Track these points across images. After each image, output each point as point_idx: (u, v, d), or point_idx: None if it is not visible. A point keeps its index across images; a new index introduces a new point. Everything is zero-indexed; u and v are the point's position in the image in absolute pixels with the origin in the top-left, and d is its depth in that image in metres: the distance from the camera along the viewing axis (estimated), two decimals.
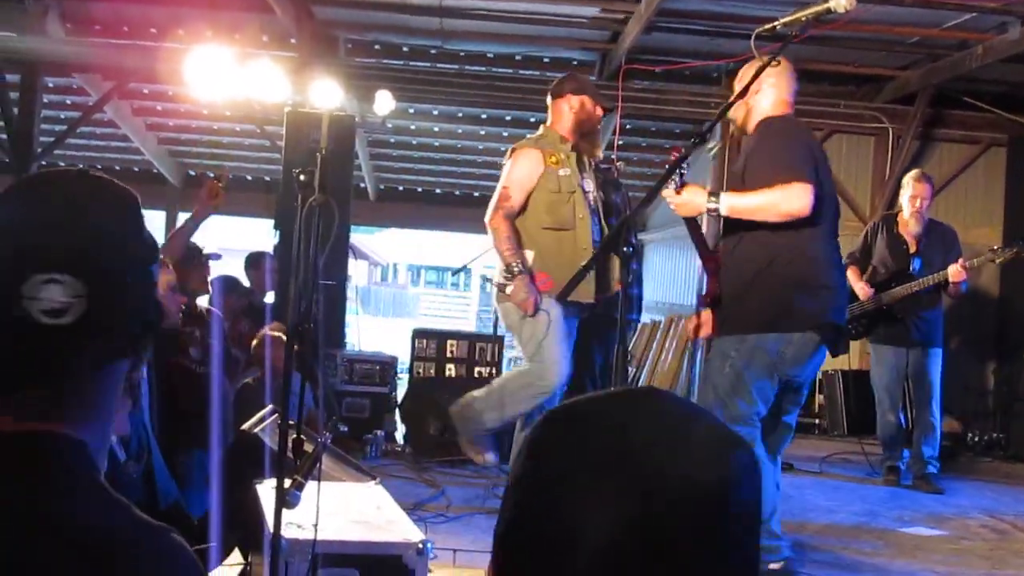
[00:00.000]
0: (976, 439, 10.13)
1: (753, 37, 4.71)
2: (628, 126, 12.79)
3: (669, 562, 1.05)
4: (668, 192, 5.20)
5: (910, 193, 7.99)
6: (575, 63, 11.66)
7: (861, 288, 8.12)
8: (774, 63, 4.69)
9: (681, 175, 5.15)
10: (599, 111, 6.42)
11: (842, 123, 11.42)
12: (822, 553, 6.11)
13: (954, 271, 7.64)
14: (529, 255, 6.12)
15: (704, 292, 5.44)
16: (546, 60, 11.72)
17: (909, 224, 8.00)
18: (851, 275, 8.78)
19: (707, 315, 5.49)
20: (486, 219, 6.28)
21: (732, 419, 5.05)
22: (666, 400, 1.17)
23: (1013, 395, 10.29)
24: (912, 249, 8.02)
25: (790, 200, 4.96)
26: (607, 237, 5.46)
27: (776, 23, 4.44)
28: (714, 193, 5.18)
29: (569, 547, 1.06)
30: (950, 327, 8.58)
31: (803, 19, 4.39)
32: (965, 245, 8.24)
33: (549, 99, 6.47)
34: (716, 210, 5.16)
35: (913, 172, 8.18)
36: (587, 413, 1.16)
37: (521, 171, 6.19)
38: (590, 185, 6.41)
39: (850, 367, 10.03)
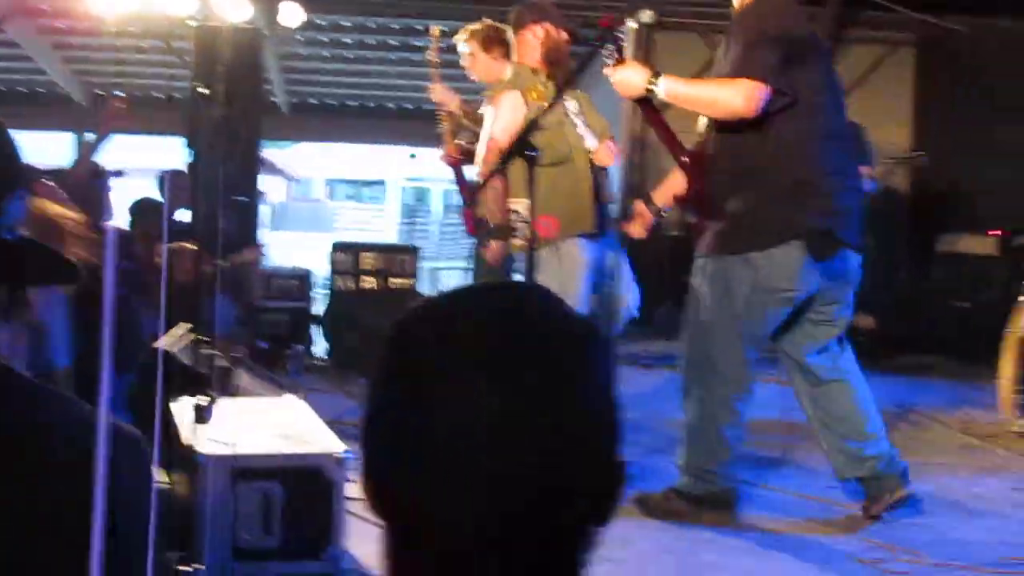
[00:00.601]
0: (890, 334, 10.30)
1: None
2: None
3: (530, 451, 1.07)
4: (607, 69, 4.79)
5: None
6: None
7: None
8: None
9: (619, 48, 4.74)
10: (564, 35, 6.28)
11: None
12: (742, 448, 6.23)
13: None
14: (523, 204, 5.82)
15: (683, 195, 5.07)
16: None
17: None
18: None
19: (640, 207, 5.42)
20: (477, 172, 6.26)
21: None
22: (533, 294, 1.19)
23: (925, 290, 10.47)
24: None
25: (732, 98, 4.54)
26: (513, 140, 5.31)
27: None
28: (658, 73, 4.70)
29: (432, 439, 1.08)
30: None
31: None
32: (876, 145, 8.32)
33: (511, 33, 6.31)
34: (653, 93, 4.70)
35: None
36: (451, 306, 1.17)
37: (505, 116, 5.96)
38: (574, 106, 6.32)
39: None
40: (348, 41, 14.01)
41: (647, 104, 4.83)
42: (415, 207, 30.43)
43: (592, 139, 6.13)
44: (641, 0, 4.83)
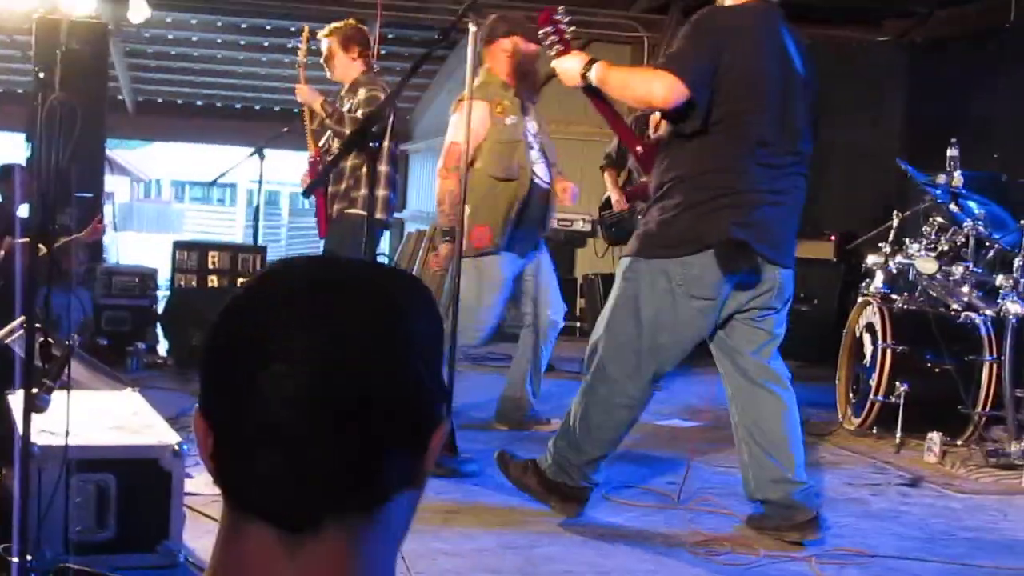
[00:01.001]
0: None
1: None
2: (390, 35, 12.73)
3: (352, 407, 1.14)
4: (552, 60, 4.79)
5: None
6: None
7: (615, 195, 8.31)
8: None
9: (562, 39, 4.74)
10: (533, 47, 6.33)
11: (599, 31, 11.60)
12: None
13: None
14: (466, 210, 6.08)
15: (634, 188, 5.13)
16: None
17: (662, 126, 8.17)
18: (607, 180, 8.99)
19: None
20: (437, 173, 6.39)
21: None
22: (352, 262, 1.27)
23: None
24: None
25: (650, 85, 4.50)
26: (353, 132, 5.35)
27: None
28: (593, 60, 4.69)
29: (257, 401, 1.13)
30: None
31: None
32: None
33: (481, 45, 6.34)
34: (588, 80, 4.67)
35: None
36: (278, 275, 1.23)
37: (472, 125, 5.95)
38: (534, 127, 6.48)
39: (613, 271, 10.26)
40: (194, 39, 13.85)
41: (593, 92, 4.78)
42: (264, 209, 30.01)
43: (543, 166, 6.42)
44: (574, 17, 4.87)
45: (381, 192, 6.82)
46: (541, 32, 4.77)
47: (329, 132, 7.00)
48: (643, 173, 4.99)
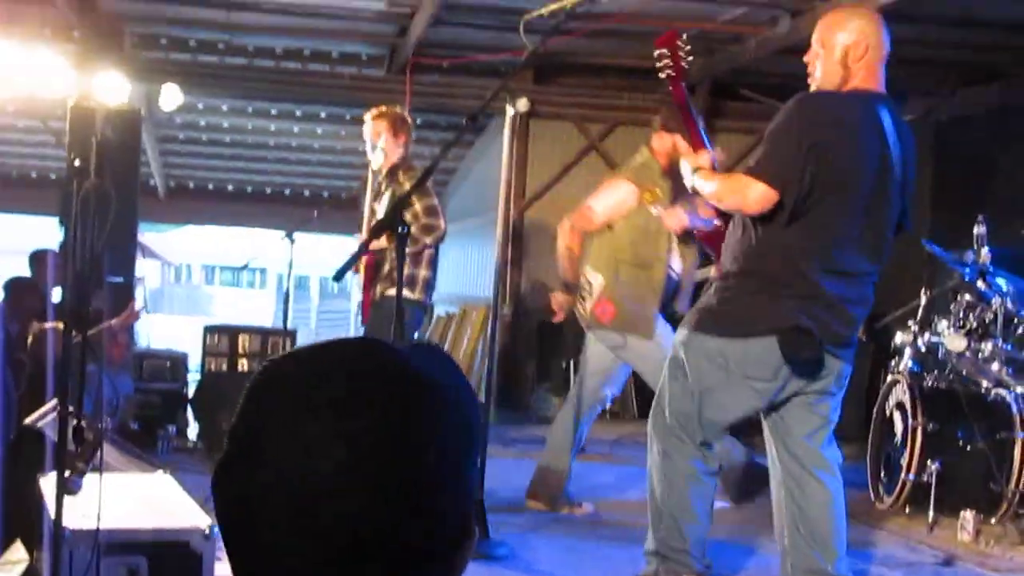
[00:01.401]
0: None
1: (521, 27, 4.69)
2: (418, 121, 12.87)
3: (374, 501, 1.14)
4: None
5: None
6: (364, 57, 11.70)
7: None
8: (542, 49, 4.70)
9: (677, 66, 4.82)
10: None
11: (626, 115, 11.71)
12: (612, 528, 6.33)
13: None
14: (598, 279, 6.22)
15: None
16: (334, 55, 11.72)
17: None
18: None
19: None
20: (562, 229, 6.58)
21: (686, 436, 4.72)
22: (375, 348, 1.23)
23: None
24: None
25: (742, 196, 4.36)
26: (383, 218, 5.38)
27: (543, 10, 4.51)
28: (698, 168, 4.70)
29: (278, 488, 1.14)
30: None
31: (566, 6, 4.45)
32: None
33: (657, 124, 6.50)
34: (689, 184, 4.76)
35: None
36: (302, 361, 1.22)
37: (611, 200, 6.31)
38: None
39: None
40: (225, 124, 14.04)
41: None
42: (294, 293, 30.18)
43: (677, 259, 6.47)
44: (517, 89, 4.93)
45: (423, 272, 6.90)
46: (657, 52, 4.76)
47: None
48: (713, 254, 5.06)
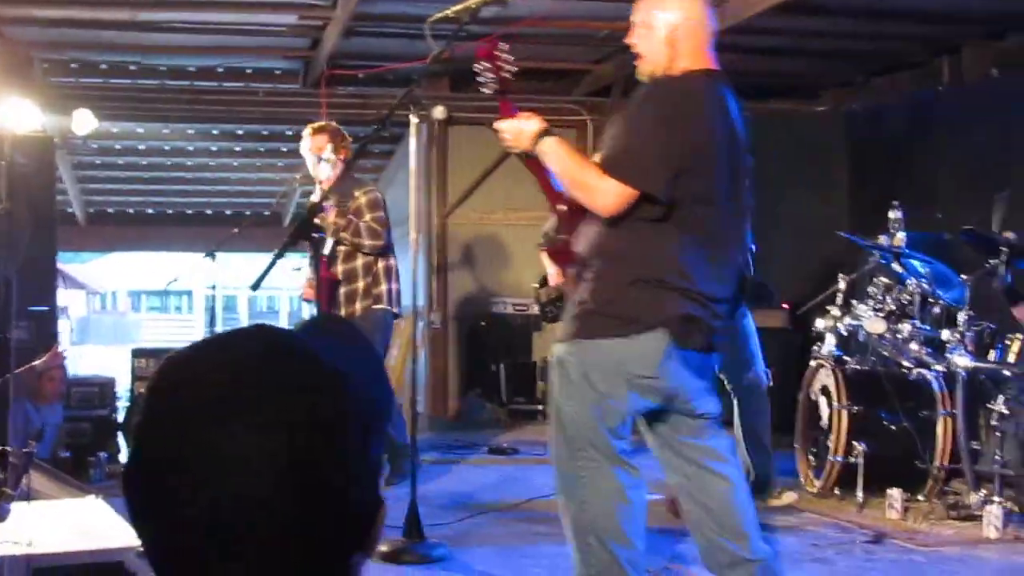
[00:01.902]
0: None
1: (428, 31, 4.58)
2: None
3: (291, 490, 1.16)
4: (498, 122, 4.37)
5: None
6: (278, 72, 11.67)
7: (554, 273, 8.37)
8: (445, 54, 4.63)
9: (501, 77, 4.35)
10: None
11: (545, 117, 11.73)
12: (550, 525, 6.35)
13: None
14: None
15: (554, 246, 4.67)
16: (249, 71, 11.67)
17: None
18: (545, 259, 9.04)
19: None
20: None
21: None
22: (275, 336, 1.26)
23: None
24: None
25: (595, 196, 4.10)
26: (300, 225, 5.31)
27: (448, 11, 4.47)
28: (548, 131, 4.27)
29: (195, 483, 1.15)
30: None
31: (471, 6, 4.38)
32: None
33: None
34: (533, 150, 4.27)
35: None
36: (202, 359, 1.24)
37: None
38: None
39: None
40: (142, 147, 13.94)
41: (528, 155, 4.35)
42: (222, 314, 30.03)
43: None
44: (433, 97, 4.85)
45: (395, 286, 7.44)
46: (477, 65, 4.37)
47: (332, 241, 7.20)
48: (563, 232, 4.52)
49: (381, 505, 1.26)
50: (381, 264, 7.34)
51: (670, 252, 4.15)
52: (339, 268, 7.24)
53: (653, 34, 4.21)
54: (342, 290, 7.27)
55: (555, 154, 4.23)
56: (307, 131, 7.33)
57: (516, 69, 4.39)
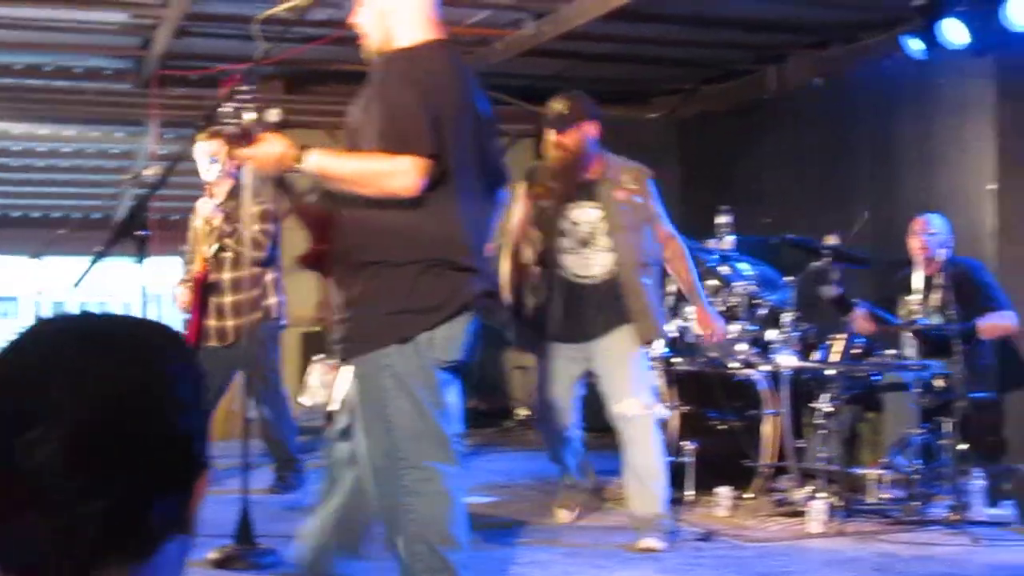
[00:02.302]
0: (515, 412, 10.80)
1: (256, 31, 4.39)
2: (170, 135, 12.64)
3: (110, 468, 1.18)
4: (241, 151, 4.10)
5: None
6: (109, 72, 11.41)
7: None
8: (270, 57, 4.51)
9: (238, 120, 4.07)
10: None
11: (294, 117, 11.69)
12: None
13: None
14: None
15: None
16: (78, 70, 11.39)
17: None
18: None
19: None
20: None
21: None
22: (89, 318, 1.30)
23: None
24: None
25: (395, 178, 3.80)
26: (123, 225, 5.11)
27: (275, 9, 4.39)
28: (304, 146, 4.00)
29: (14, 470, 1.16)
30: None
31: (301, 5, 4.29)
32: None
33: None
34: (300, 170, 4.00)
35: None
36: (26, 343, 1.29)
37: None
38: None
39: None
40: None
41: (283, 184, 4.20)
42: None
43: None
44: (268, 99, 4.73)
45: (284, 298, 7.61)
46: (220, 105, 4.20)
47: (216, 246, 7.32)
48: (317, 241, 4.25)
49: (206, 466, 1.27)
50: (269, 276, 7.44)
51: (440, 222, 3.93)
52: (226, 275, 7.32)
53: (373, 9, 4.12)
54: (229, 299, 7.34)
55: (330, 161, 4.02)
56: (202, 135, 7.28)
57: (253, 114, 4.15)
